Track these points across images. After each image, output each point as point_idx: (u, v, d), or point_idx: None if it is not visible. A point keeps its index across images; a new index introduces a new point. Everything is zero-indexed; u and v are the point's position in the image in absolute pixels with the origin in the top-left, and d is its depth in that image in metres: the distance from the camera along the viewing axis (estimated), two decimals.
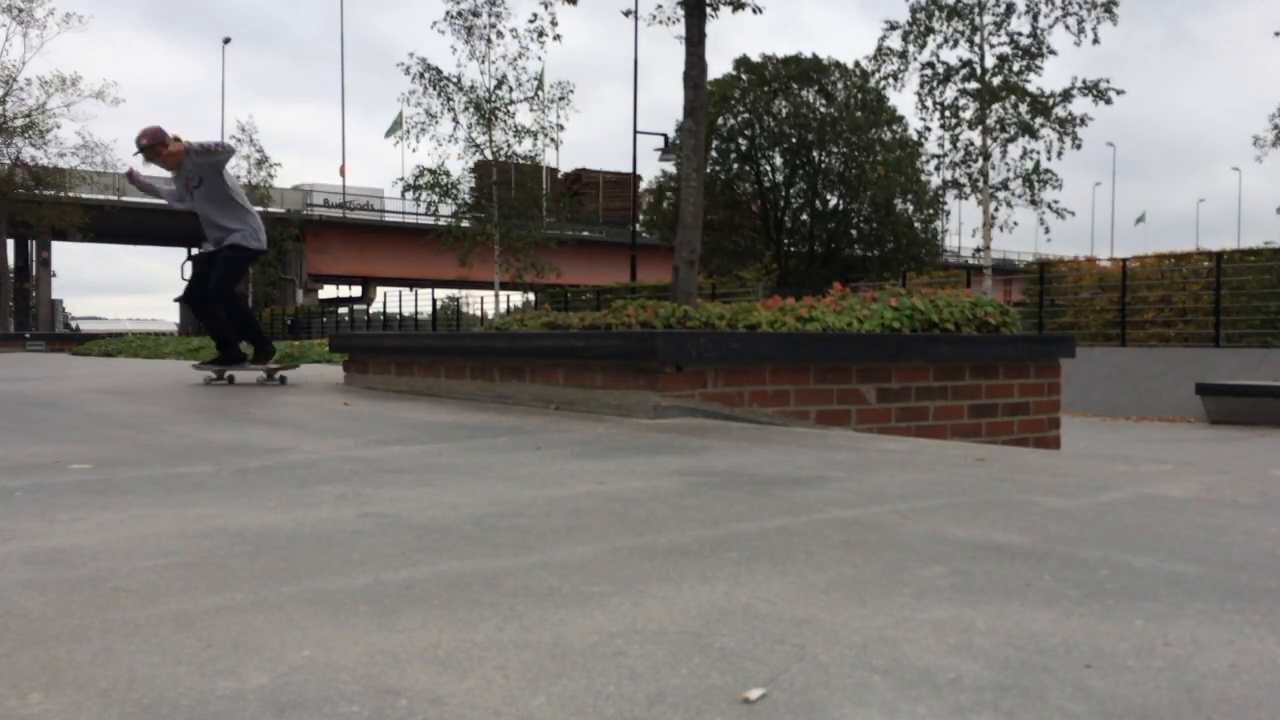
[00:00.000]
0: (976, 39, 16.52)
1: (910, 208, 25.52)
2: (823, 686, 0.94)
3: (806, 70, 25.75)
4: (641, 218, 28.67)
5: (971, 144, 16.17)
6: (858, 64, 25.21)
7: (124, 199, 35.62)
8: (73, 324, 50.36)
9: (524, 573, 1.40)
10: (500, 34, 19.77)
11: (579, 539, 1.62)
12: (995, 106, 15.79)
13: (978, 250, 16.95)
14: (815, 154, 25.83)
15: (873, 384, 4.25)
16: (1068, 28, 16.26)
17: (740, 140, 26.19)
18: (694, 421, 3.66)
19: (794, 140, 25.68)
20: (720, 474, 2.33)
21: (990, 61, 16.08)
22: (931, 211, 25.35)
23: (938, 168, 16.47)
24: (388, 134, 40.94)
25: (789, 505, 1.92)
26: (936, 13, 16.67)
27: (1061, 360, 4.91)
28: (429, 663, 1.02)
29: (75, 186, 30.33)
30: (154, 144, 5.58)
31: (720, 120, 25.33)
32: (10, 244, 34.00)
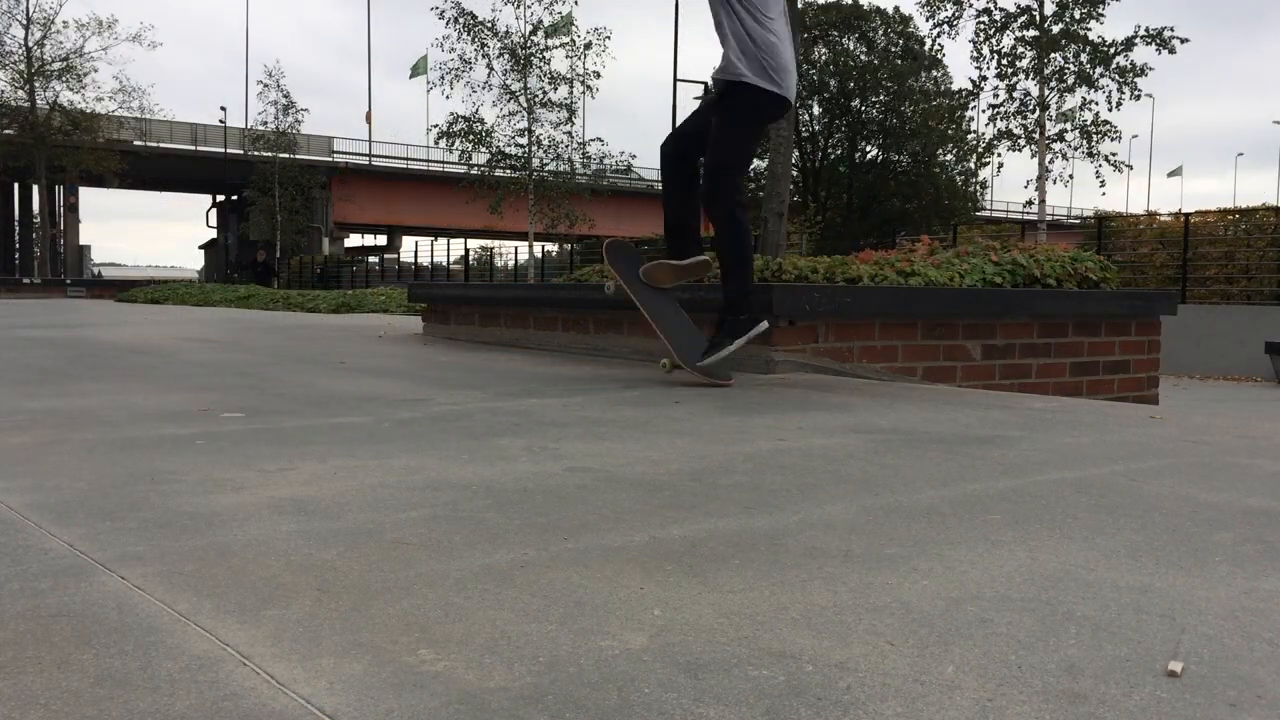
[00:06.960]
0: None
1: (951, 158, 25.07)
2: (1236, 659, 0.91)
3: (847, 16, 25.18)
4: None
5: (1028, 94, 15.76)
6: (897, 10, 24.60)
7: (160, 145, 35.47)
8: (95, 270, 50.58)
9: (795, 532, 1.38)
10: None
11: (816, 498, 1.60)
12: (1054, 55, 15.34)
13: (1028, 204, 16.63)
14: (855, 103, 25.35)
15: (978, 340, 4.19)
16: None
17: None
18: (808, 377, 3.63)
19: (834, 88, 25.19)
20: (890, 431, 2.30)
21: (1050, 8, 15.59)
22: (973, 163, 24.90)
23: (992, 118, 16.09)
24: (412, 74, 40.90)
25: (997, 466, 1.88)
26: None
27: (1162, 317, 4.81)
28: (792, 625, 1.00)
29: (112, 131, 30.33)
30: None
31: None
32: (37, 190, 34.10)
